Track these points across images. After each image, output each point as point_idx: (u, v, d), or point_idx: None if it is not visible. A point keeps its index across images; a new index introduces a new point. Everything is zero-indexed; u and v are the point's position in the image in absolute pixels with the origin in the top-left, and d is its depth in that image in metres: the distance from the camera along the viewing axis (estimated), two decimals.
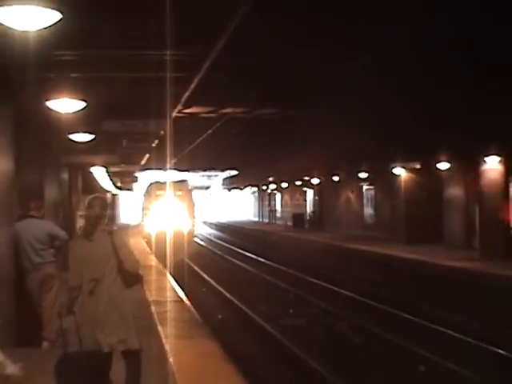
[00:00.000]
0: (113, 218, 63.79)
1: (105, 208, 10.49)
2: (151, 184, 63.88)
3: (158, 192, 59.46)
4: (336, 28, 16.74)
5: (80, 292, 9.96)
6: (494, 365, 19.51)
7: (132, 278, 10.33)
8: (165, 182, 60.84)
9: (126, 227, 67.35)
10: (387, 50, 18.73)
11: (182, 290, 23.53)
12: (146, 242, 51.12)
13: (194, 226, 61.53)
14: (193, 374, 13.14)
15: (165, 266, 32.54)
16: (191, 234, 58.50)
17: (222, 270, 44.00)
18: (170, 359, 13.97)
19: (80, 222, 11.89)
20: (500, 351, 20.91)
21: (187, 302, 21.49)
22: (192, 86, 19.39)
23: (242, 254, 55.52)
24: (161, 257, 37.57)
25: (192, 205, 60.58)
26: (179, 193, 58.49)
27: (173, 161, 44.76)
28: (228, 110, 28.24)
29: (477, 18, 16.36)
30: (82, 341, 9.71)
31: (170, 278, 27.47)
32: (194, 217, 61.13)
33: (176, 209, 56.65)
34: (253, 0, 12.11)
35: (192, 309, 20.21)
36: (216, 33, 14.24)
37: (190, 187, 65.87)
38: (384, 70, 21.23)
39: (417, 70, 21.02)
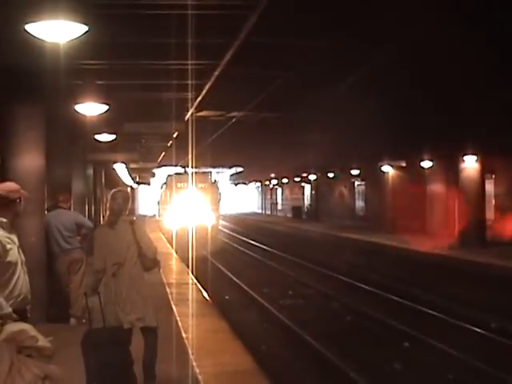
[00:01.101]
0: (132, 210, 60.15)
1: (126, 200, 10.52)
2: (171, 176, 55.15)
3: (179, 184, 51.23)
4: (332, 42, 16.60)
5: (104, 274, 10.01)
6: (466, 339, 19.52)
7: (150, 262, 10.38)
8: (186, 174, 52.94)
9: (144, 218, 67.31)
10: (376, 57, 18.66)
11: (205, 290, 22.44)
12: (166, 239, 44.11)
13: (218, 220, 53.05)
14: (204, 348, 13.16)
15: (187, 266, 27.81)
16: (215, 230, 50.14)
17: (229, 256, 43.80)
18: (184, 335, 13.99)
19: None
20: (471, 327, 20.89)
21: (198, 284, 21.50)
22: (203, 92, 19.37)
23: (245, 241, 54.67)
24: (183, 256, 31.98)
25: (216, 198, 53.06)
26: (202, 185, 51.10)
27: (186, 158, 43.31)
28: (234, 114, 28.21)
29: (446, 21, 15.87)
30: (105, 318, 9.72)
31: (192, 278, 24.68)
32: (218, 211, 53.64)
33: (199, 202, 49.12)
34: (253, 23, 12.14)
35: (203, 290, 20.21)
36: (224, 46, 14.27)
37: (214, 179, 58.45)
38: (373, 79, 21.20)
39: (403, 78, 20.96)
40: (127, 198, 10.64)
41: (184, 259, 30.42)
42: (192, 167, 46.05)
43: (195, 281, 22.72)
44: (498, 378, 15.74)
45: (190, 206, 48.03)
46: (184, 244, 32.96)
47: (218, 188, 55.14)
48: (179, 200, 49.83)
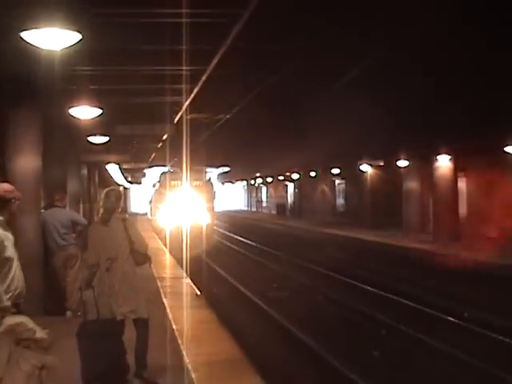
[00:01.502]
0: (125, 208, 59.83)
1: (119, 199, 10.55)
2: (164, 173, 50.74)
3: (173, 182, 46.92)
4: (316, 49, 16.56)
5: (98, 269, 10.00)
6: (436, 324, 19.63)
7: (141, 257, 10.40)
8: (181, 171, 45.19)
9: (136, 215, 67.20)
10: (355, 63, 18.70)
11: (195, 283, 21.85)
12: (160, 239, 41.12)
13: (213, 219, 48.62)
14: (192, 337, 13.17)
15: (181, 266, 25.77)
16: (211, 230, 45.78)
17: (216, 251, 43.71)
18: (173, 326, 13.99)
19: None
20: (443, 315, 20.99)
21: (187, 279, 21.49)
22: (191, 96, 19.38)
23: (231, 236, 54.24)
24: (177, 256, 29.62)
25: (211, 196, 49.07)
26: (197, 183, 46.83)
27: (175, 158, 43.18)
28: (221, 116, 28.21)
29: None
30: (99, 310, 9.74)
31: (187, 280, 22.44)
32: (213, 209, 49.36)
33: (194, 201, 44.97)
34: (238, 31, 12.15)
35: (192, 284, 20.22)
36: (211, 52, 14.29)
37: (208, 177, 53.79)
38: (354, 85, 21.25)
39: (380, 83, 21.01)
40: (120, 197, 10.67)
41: (178, 260, 28.63)
42: (186, 166, 42.04)
43: (185, 275, 22.69)
44: (465, 362, 15.89)
45: (184, 205, 44.10)
46: (178, 244, 29.11)
47: (212, 186, 51.73)
48: (173, 198, 45.64)
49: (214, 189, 51.95)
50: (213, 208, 49.50)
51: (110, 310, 9.85)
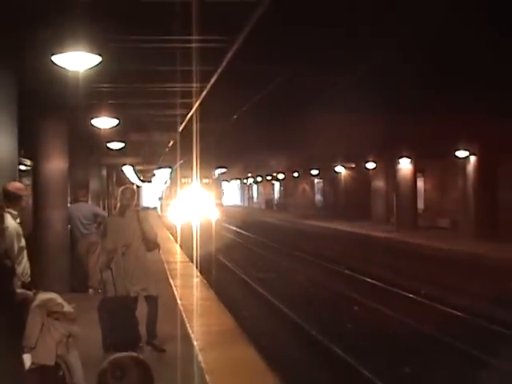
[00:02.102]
0: (137, 203, 58.46)
1: (133, 195, 10.58)
2: (175, 171, 45.69)
3: (184, 180, 42.55)
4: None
5: (115, 254, 10.02)
6: (399, 302, 19.71)
7: (152, 244, 10.44)
8: (191, 169, 40.42)
9: (147, 209, 67.01)
10: (332, 82, 18.65)
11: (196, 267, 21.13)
12: (171, 234, 35.29)
13: (222, 215, 44.96)
14: (194, 311, 13.19)
15: (192, 261, 22.13)
16: (219, 225, 41.29)
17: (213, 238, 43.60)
18: (179, 302, 13.99)
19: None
20: (405, 293, 21.07)
21: (190, 263, 21.46)
22: (193, 109, 19.36)
23: (226, 227, 54.04)
24: (188, 250, 25.48)
25: (220, 193, 45.24)
26: (207, 180, 42.33)
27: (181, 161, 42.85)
28: (218, 125, 28.18)
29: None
30: (116, 289, 9.77)
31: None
32: (222, 206, 45.80)
33: (204, 197, 40.89)
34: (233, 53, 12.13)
35: (194, 267, 20.20)
36: (210, 72, 14.28)
37: (217, 174, 48.43)
38: (329, 104, 21.29)
39: (353, 95, 20.96)
40: (133, 194, 10.70)
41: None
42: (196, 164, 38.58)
43: (187, 259, 22.68)
44: (421, 332, 15.98)
45: (194, 201, 39.73)
46: (188, 238, 26.12)
47: (221, 183, 49.07)
48: (184, 195, 41.72)
49: (222, 187, 49.22)
50: (222, 204, 46.73)
51: (126, 288, 9.89)
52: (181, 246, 26.10)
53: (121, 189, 10.80)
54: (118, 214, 10.49)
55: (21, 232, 7.72)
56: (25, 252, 7.72)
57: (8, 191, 7.83)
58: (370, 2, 12.66)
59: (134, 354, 3.48)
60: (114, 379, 3.30)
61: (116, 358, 3.43)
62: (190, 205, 40.15)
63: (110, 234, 10.23)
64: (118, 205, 10.52)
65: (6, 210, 7.62)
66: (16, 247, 7.40)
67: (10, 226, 7.34)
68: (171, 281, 17.08)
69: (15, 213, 7.66)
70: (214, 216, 39.81)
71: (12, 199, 7.76)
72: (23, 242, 7.68)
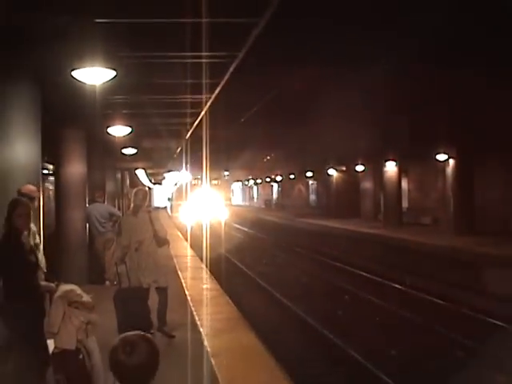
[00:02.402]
0: (149, 203, 57.18)
1: (145, 196, 10.62)
2: (188, 172, 40.45)
3: (194, 181, 38.28)
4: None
5: (129, 249, 10.05)
6: (387, 292, 19.79)
7: (162, 241, 10.45)
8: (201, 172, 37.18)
9: (157, 209, 66.87)
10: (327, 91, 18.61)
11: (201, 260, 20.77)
12: (183, 235, 31.71)
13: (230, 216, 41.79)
14: (200, 301, 13.23)
15: (201, 259, 20.44)
16: (228, 225, 38.60)
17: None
18: (186, 292, 14.03)
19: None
20: (392, 284, 21.14)
21: (197, 256, 21.48)
22: (199, 118, 19.40)
23: (229, 224, 53.72)
24: (198, 250, 22.98)
25: (229, 194, 38.82)
26: (216, 182, 37.20)
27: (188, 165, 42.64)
28: (223, 132, 28.21)
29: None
30: (130, 280, 9.80)
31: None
32: (231, 205, 39.78)
33: (213, 198, 37.29)
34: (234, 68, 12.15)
35: (200, 261, 20.23)
36: (214, 85, 14.30)
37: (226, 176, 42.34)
38: (321, 114, 21.27)
39: (343, 107, 20.93)
40: (146, 195, 10.75)
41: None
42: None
43: (193, 253, 22.69)
44: (405, 317, 16.06)
45: (205, 202, 35.34)
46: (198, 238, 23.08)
47: (230, 184, 45.65)
48: (196, 196, 37.63)
49: (232, 188, 46.07)
50: (231, 204, 43.26)
51: (138, 280, 9.92)
52: (191, 247, 24.18)
53: (134, 190, 10.85)
54: (131, 213, 10.52)
55: (35, 230, 7.75)
56: (40, 247, 7.74)
57: (22, 193, 7.87)
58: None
59: (142, 333, 3.53)
60: (124, 354, 3.34)
61: (126, 335, 3.49)
62: (201, 205, 35.75)
63: (125, 232, 10.26)
64: (132, 205, 10.56)
65: None
66: (32, 243, 7.45)
67: None
68: (180, 273, 17.12)
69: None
70: (223, 215, 34.93)
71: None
72: (38, 239, 7.70)
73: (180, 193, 41.81)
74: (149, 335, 3.56)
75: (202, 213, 32.38)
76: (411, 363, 12.84)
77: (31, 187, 8.03)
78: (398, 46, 13.34)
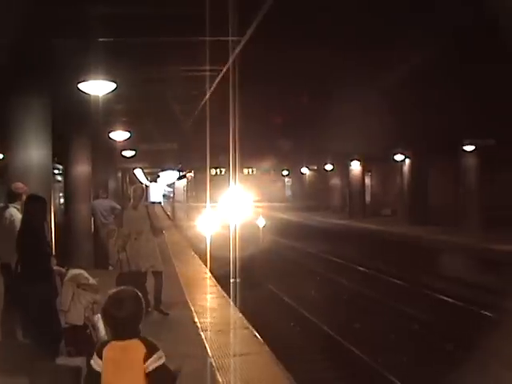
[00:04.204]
0: (146, 199, 56.12)
1: (143, 192, 10.66)
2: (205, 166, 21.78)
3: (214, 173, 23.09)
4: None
5: (129, 238, 10.08)
6: (353, 275, 19.88)
7: (158, 231, 10.50)
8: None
9: (153, 204, 66.11)
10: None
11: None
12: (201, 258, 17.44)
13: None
14: (191, 284, 13.24)
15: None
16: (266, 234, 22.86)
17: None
18: (179, 277, 14.05)
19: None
20: (360, 268, 21.26)
21: (191, 246, 21.31)
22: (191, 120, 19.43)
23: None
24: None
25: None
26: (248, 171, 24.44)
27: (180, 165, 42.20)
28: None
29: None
30: (130, 265, 9.83)
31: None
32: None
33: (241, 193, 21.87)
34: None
35: (192, 249, 20.17)
36: (200, 96, 14.36)
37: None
38: (295, 121, 21.32)
39: (314, 111, 20.89)
40: (143, 191, 10.82)
41: None
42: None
43: (186, 242, 22.62)
44: (368, 296, 16.16)
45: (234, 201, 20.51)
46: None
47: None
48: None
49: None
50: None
51: (138, 265, 9.93)
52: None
53: (133, 187, 10.89)
54: (132, 207, 10.53)
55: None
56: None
57: (10, 191, 7.86)
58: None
59: (129, 288, 3.71)
60: (113, 308, 3.54)
61: (115, 292, 3.68)
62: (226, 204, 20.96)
63: (126, 223, 10.28)
64: (132, 200, 10.57)
65: (11, 205, 7.65)
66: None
67: (16, 218, 7.36)
68: (173, 259, 17.11)
69: (19, 207, 7.65)
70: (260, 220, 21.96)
71: (14, 196, 7.77)
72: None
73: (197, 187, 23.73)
74: (135, 291, 3.71)
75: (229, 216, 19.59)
76: (372, 334, 12.88)
77: (18, 184, 7.96)
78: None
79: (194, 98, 15.04)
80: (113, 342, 3.53)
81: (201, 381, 6.60)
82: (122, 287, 3.75)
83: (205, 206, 17.24)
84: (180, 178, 30.38)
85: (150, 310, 9.77)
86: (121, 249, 10.08)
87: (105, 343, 3.56)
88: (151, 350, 3.46)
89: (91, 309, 6.61)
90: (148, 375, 3.42)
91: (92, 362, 3.55)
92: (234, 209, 18.09)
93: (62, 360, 5.96)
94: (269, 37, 9.90)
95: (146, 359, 3.42)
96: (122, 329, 3.50)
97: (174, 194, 36.49)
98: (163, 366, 3.47)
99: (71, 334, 6.43)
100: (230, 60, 10.53)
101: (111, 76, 9.80)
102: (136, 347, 3.45)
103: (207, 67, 11.59)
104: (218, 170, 21.94)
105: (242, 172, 21.14)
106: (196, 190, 21.39)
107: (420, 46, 12.14)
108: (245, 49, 9.48)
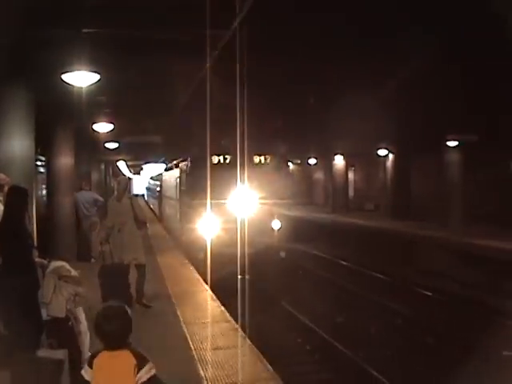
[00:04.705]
0: (130, 191, 55.95)
1: (126, 185, 10.64)
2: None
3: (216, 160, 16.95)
4: None
5: (112, 231, 10.07)
6: (337, 269, 19.97)
7: (141, 223, 10.49)
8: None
9: (136, 196, 65.97)
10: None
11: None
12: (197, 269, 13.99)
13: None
14: (173, 276, 13.27)
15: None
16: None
17: None
18: (162, 268, 14.06)
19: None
20: (343, 262, 21.38)
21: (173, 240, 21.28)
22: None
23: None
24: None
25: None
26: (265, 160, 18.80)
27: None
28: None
29: None
30: (113, 258, 9.82)
31: None
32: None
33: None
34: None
35: (173, 242, 20.16)
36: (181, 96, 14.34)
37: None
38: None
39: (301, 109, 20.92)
40: (127, 184, 10.80)
41: None
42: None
43: (168, 236, 22.60)
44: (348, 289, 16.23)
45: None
46: None
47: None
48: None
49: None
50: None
51: (121, 257, 9.94)
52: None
53: (117, 180, 10.90)
54: (116, 199, 10.53)
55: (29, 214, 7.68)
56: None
57: None
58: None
59: (121, 304, 3.80)
60: (104, 320, 3.63)
61: (107, 305, 3.82)
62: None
63: (110, 215, 10.30)
64: (116, 192, 10.58)
65: None
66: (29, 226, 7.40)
67: None
68: (156, 252, 17.10)
69: (1, 198, 7.61)
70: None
71: None
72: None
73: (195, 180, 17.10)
74: (122, 306, 3.79)
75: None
76: (355, 327, 12.99)
77: (1, 175, 7.88)
78: None
79: (180, 89, 14.97)
80: (103, 352, 3.63)
81: (182, 373, 6.63)
82: (110, 303, 3.87)
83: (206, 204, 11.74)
84: (169, 168, 25.52)
85: (132, 303, 9.79)
86: (104, 241, 10.07)
87: (96, 353, 3.66)
88: (141, 361, 3.57)
89: (73, 301, 6.61)
90: None
91: (83, 371, 3.64)
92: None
93: (43, 352, 5.95)
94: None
95: (136, 371, 3.53)
96: (112, 340, 3.61)
97: (161, 187, 30.55)
98: (154, 376, 3.57)
99: (53, 326, 6.41)
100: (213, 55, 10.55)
101: (95, 67, 9.76)
102: (126, 358, 3.56)
103: (192, 62, 11.59)
104: (221, 158, 16.65)
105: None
106: (195, 183, 15.42)
107: (404, 44, 12.15)
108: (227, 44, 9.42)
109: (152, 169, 55.42)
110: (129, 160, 45.04)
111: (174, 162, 21.94)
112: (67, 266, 6.81)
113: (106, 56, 10.57)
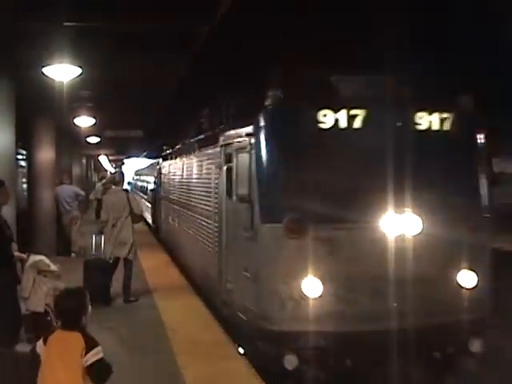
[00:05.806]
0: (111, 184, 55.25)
1: (123, 178, 11.05)
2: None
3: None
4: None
5: (106, 224, 10.19)
6: None
7: (137, 217, 10.63)
8: None
9: None
10: None
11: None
12: None
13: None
14: (154, 273, 13.22)
15: None
16: None
17: None
18: (143, 266, 14.01)
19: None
20: None
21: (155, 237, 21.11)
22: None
23: None
24: None
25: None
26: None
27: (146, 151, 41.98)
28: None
29: None
30: (104, 252, 10.02)
31: None
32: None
33: None
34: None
35: (157, 241, 20.04)
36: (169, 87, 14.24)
37: None
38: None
39: None
40: (123, 176, 11.16)
41: None
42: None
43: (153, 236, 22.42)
44: None
45: None
46: None
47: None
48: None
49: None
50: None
51: (112, 252, 10.09)
52: None
53: (101, 174, 10.97)
54: (105, 192, 10.69)
55: None
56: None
57: None
58: None
59: (77, 286, 4.25)
60: (59, 299, 3.89)
61: (68, 287, 4.04)
62: None
63: (105, 208, 10.35)
64: (105, 186, 10.66)
65: None
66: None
67: None
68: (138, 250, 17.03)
69: None
70: None
71: None
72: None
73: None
74: (81, 288, 4.21)
75: None
76: None
77: None
78: None
79: (165, 80, 14.89)
80: (58, 331, 3.80)
81: (163, 368, 6.66)
82: (76, 286, 4.17)
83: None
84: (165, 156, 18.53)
85: (112, 296, 9.84)
86: (97, 233, 10.20)
87: (52, 331, 3.82)
88: (90, 344, 3.69)
89: (52, 295, 6.56)
90: (87, 368, 3.64)
91: (37, 344, 3.79)
92: None
93: (21, 347, 5.91)
94: None
95: (84, 353, 3.64)
96: (67, 319, 3.77)
97: (158, 185, 20.48)
98: (101, 360, 3.69)
99: (32, 320, 6.39)
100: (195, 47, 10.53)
101: (76, 61, 9.70)
102: (76, 339, 3.69)
103: (174, 55, 11.53)
104: None
105: None
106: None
107: None
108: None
109: (137, 162, 54.77)
110: (110, 155, 44.85)
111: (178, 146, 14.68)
112: (46, 260, 6.78)
113: (88, 50, 10.49)
